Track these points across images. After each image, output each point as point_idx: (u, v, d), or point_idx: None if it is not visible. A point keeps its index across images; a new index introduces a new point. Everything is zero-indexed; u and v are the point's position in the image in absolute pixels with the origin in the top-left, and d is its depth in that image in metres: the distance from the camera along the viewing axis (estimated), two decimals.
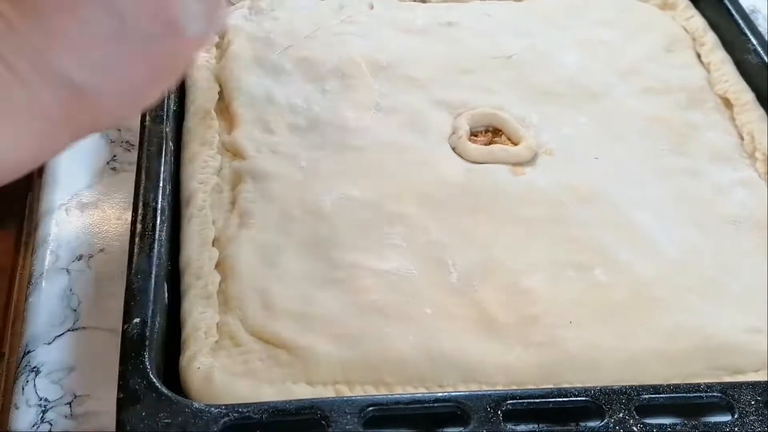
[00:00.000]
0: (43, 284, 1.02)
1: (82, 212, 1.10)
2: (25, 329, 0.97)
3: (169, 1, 0.73)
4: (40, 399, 0.91)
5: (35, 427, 0.89)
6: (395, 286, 0.97)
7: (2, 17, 0.69)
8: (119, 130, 1.19)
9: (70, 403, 0.91)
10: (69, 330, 0.98)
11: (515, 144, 1.15)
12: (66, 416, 0.90)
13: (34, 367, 0.94)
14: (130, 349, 0.84)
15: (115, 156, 1.16)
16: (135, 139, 1.12)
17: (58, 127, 0.72)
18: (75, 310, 0.99)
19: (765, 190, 1.13)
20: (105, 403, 0.88)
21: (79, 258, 1.05)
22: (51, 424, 0.89)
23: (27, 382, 0.92)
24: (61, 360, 0.95)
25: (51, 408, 0.90)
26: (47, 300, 1.00)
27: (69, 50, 0.70)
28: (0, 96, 0.68)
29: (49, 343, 0.96)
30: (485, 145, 1.15)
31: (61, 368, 0.94)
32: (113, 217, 1.09)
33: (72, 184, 1.12)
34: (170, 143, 1.05)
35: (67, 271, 1.03)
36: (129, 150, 1.16)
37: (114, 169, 1.15)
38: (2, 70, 0.68)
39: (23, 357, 0.95)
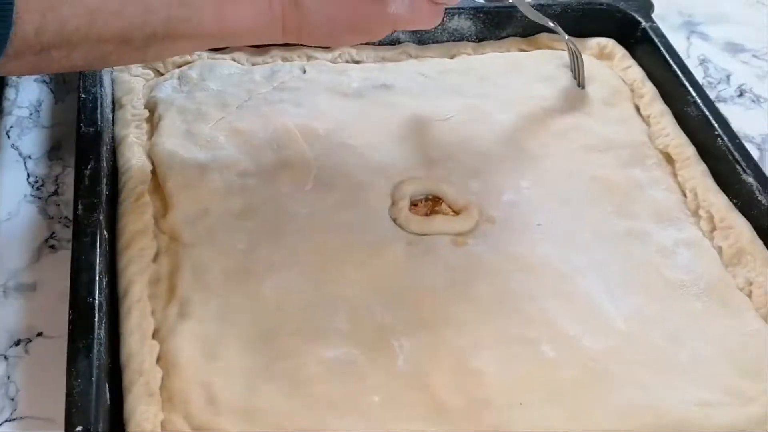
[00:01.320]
0: None
1: (20, 294, 1.10)
2: None
3: None
4: None
5: None
6: (341, 374, 0.98)
7: None
8: (58, 204, 1.20)
9: None
10: (7, 420, 0.98)
11: (456, 212, 1.17)
12: None
13: None
14: None
15: (53, 233, 1.17)
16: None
17: (275, 22, 1.05)
18: (13, 399, 1.00)
19: (709, 249, 1.16)
20: None
21: (17, 343, 1.05)
22: None
23: None
24: None
25: None
26: None
27: None
28: None
29: None
30: (426, 214, 1.17)
31: None
32: (52, 298, 1.09)
33: (9, 265, 1.13)
34: (104, 232, 1.05)
35: (5, 357, 1.04)
36: (68, 226, 1.17)
37: (53, 247, 1.16)
38: None
39: None
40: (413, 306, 1.06)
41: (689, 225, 1.19)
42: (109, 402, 0.93)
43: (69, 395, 0.89)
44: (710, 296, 1.10)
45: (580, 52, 1.34)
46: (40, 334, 1.06)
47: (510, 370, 1.00)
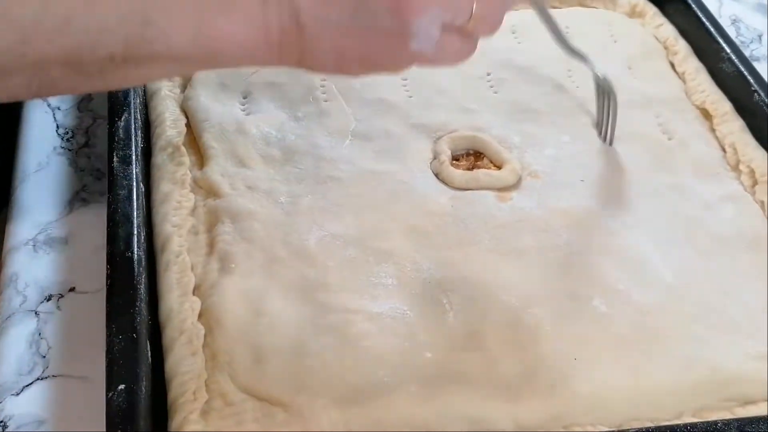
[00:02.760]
0: (11, 328, 0.94)
1: (51, 248, 1.02)
2: None
3: (414, 7, 0.76)
4: None
5: None
6: (392, 330, 0.90)
7: None
8: (89, 157, 1.11)
9: None
10: (38, 379, 0.90)
11: (498, 167, 1.08)
12: None
13: (1, 422, 0.86)
14: (117, 420, 0.76)
15: (85, 186, 1.09)
16: (105, 167, 1.04)
17: (270, 45, 0.78)
18: (44, 357, 0.92)
19: (752, 204, 1.09)
20: None
21: (48, 299, 0.97)
22: None
23: None
24: (30, 413, 0.87)
25: None
26: (14, 346, 0.92)
27: None
28: None
29: (17, 394, 0.88)
30: (468, 169, 1.08)
31: (30, 422, 0.87)
32: (85, 252, 1.01)
33: (40, 217, 1.04)
34: (141, 185, 0.97)
35: (36, 313, 0.95)
36: (100, 179, 1.09)
37: (84, 200, 1.07)
38: None
39: None
40: (460, 261, 0.97)
41: (730, 180, 1.12)
42: (150, 360, 0.84)
43: (110, 353, 0.80)
44: (756, 250, 1.03)
45: (614, 96, 1.11)
46: (72, 290, 0.98)
47: (562, 326, 0.92)
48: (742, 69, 1.20)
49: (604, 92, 1.03)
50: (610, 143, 1.06)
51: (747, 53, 1.36)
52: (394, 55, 0.81)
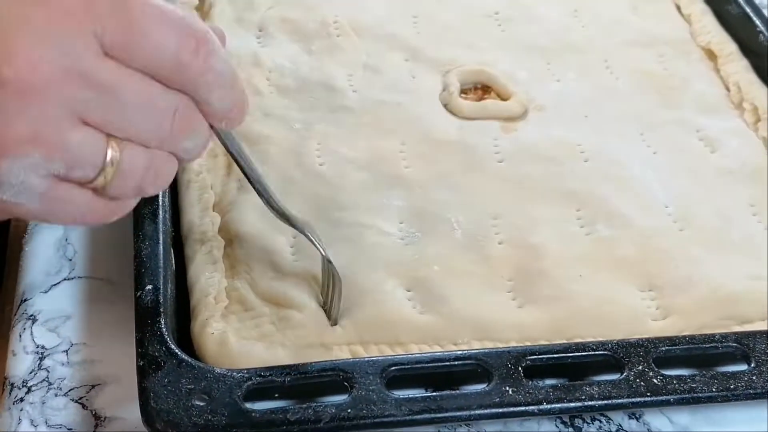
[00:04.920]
0: (39, 234, 1.02)
1: None
2: (22, 278, 0.98)
3: None
4: (37, 346, 0.91)
5: (32, 373, 0.89)
6: (402, 244, 0.98)
7: None
8: None
9: (66, 351, 0.91)
10: (65, 279, 0.98)
11: (505, 100, 1.16)
12: (63, 363, 0.90)
13: (31, 315, 0.94)
14: (146, 315, 0.84)
15: None
16: None
17: None
18: (71, 260, 1.00)
19: (755, 139, 1.15)
20: (100, 351, 0.91)
21: None
22: (48, 371, 0.89)
23: (24, 329, 0.93)
24: (57, 308, 0.95)
25: (48, 355, 0.91)
26: (43, 249, 1.01)
27: None
28: None
29: (46, 292, 0.96)
30: (475, 101, 1.16)
31: (57, 316, 0.94)
32: None
33: None
34: None
35: None
36: None
37: None
38: None
39: (20, 305, 0.95)
40: (467, 185, 1.05)
41: (734, 117, 1.18)
42: (174, 268, 0.93)
43: (137, 257, 0.89)
44: (756, 181, 1.09)
45: (338, 278, 0.92)
46: None
47: (567, 245, 1.00)
48: (748, 10, 1.27)
49: (330, 273, 0.92)
50: (335, 324, 0.91)
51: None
52: None
